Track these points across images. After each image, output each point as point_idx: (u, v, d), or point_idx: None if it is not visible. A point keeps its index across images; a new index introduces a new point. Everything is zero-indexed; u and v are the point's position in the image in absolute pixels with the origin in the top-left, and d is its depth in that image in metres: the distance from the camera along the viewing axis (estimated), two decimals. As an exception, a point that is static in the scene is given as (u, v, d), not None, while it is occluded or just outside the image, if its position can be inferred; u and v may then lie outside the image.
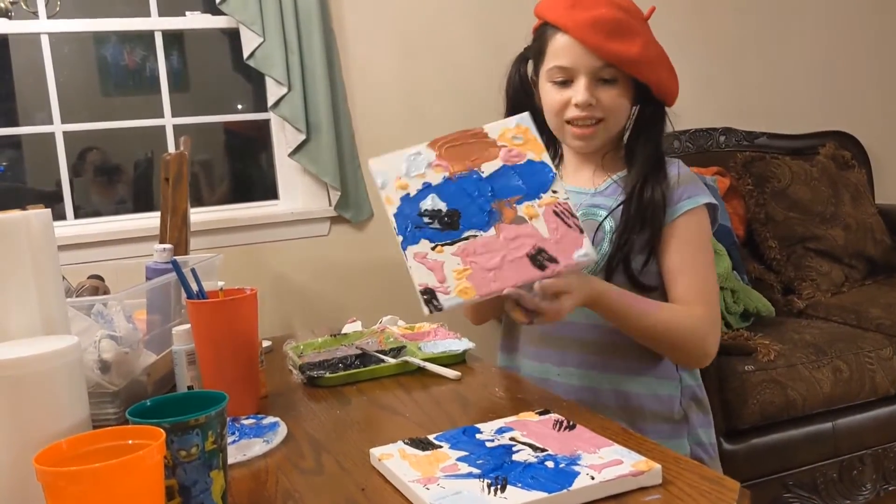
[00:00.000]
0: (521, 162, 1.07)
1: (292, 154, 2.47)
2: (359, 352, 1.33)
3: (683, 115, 3.21)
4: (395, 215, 1.08)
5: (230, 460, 0.88)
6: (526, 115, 1.11)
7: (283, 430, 1.00)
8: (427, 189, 1.07)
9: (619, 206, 1.22)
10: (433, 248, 1.03)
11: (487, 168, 1.07)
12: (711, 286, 1.22)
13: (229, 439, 0.97)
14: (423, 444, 0.88)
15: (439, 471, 0.80)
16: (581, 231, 1.03)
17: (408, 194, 1.09)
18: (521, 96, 1.30)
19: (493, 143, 1.09)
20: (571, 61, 1.18)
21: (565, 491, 0.74)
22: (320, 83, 2.41)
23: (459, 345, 1.31)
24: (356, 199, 2.55)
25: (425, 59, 2.65)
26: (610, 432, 0.91)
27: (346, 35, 2.55)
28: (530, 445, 0.85)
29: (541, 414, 0.95)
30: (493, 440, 0.88)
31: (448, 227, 1.04)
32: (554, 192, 1.05)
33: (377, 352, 1.32)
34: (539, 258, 1.02)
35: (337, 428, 1.01)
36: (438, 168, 1.09)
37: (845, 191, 2.79)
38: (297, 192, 2.58)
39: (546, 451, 0.83)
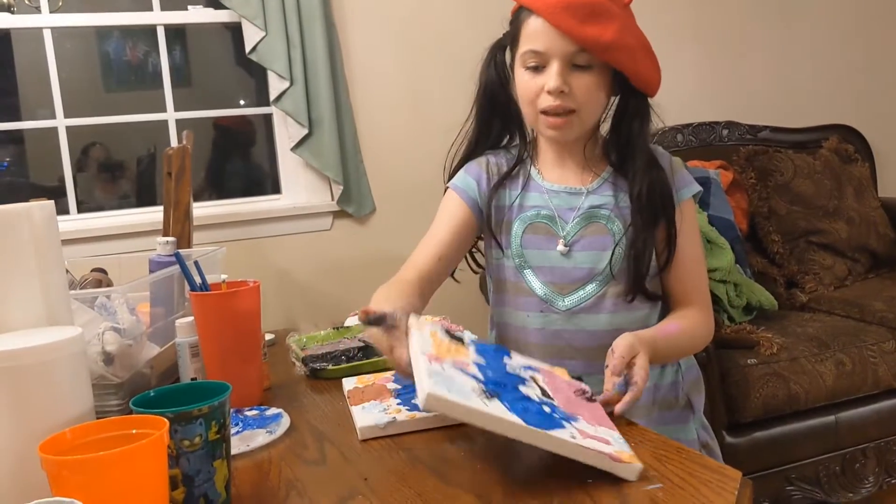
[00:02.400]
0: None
1: (294, 148, 2.47)
2: (361, 344, 1.33)
3: (686, 109, 3.22)
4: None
5: (234, 451, 0.89)
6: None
7: (286, 421, 1.01)
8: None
9: (611, 205, 1.20)
10: None
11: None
12: (706, 280, 1.24)
13: (233, 430, 0.97)
14: (454, 337, 0.91)
15: (451, 359, 0.83)
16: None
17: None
18: (495, 86, 1.26)
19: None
20: (544, 45, 1.13)
21: (539, 430, 0.75)
22: (322, 77, 2.41)
23: (462, 336, 1.31)
24: (358, 193, 2.55)
25: (427, 52, 2.64)
26: (614, 421, 0.91)
27: (347, 29, 2.55)
28: (542, 389, 0.87)
29: (574, 378, 0.97)
30: (514, 369, 0.90)
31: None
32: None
33: (379, 344, 1.32)
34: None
35: (339, 419, 1.02)
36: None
37: (848, 184, 2.78)
38: (300, 186, 2.58)
39: (552, 400, 0.85)
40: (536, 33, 1.14)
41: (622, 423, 0.92)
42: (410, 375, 0.85)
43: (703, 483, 0.74)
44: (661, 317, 1.23)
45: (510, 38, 1.22)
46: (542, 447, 0.75)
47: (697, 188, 1.23)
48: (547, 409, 0.81)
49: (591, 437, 0.78)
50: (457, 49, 2.67)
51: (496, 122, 1.29)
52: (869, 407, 2.15)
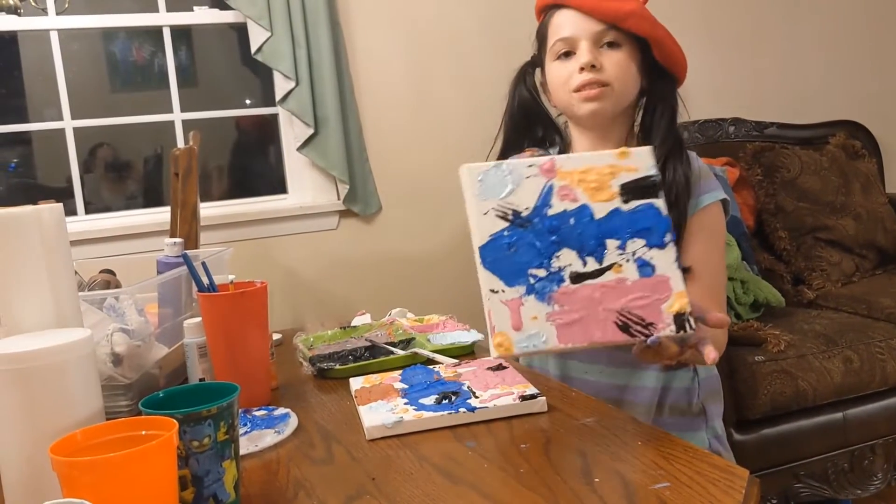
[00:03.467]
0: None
1: (300, 148, 2.48)
2: (368, 344, 1.34)
3: (692, 106, 3.19)
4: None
5: (242, 451, 0.89)
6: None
7: (294, 420, 1.01)
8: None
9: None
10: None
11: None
12: (724, 289, 1.23)
13: (241, 430, 0.98)
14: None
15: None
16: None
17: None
18: (529, 102, 1.28)
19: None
20: (571, 30, 1.17)
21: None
22: (328, 77, 2.41)
23: (468, 336, 1.32)
24: (364, 192, 2.55)
25: (432, 51, 2.65)
26: (618, 421, 0.92)
27: (353, 29, 2.56)
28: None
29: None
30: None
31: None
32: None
33: (386, 343, 1.33)
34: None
35: (347, 419, 1.02)
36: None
37: (856, 180, 2.77)
38: (306, 186, 2.59)
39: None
40: (564, 22, 1.19)
41: (627, 420, 0.92)
42: None
43: (710, 482, 0.74)
44: None
45: (539, 43, 1.26)
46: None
47: (722, 195, 1.21)
48: (534, 270, 0.84)
49: (510, 309, 0.83)
50: (462, 48, 2.67)
51: (535, 133, 1.31)
52: (877, 403, 2.15)
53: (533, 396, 0.98)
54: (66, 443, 0.69)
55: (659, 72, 1.21)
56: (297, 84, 2.40)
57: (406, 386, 1.07)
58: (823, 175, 2.73)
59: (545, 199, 0.83)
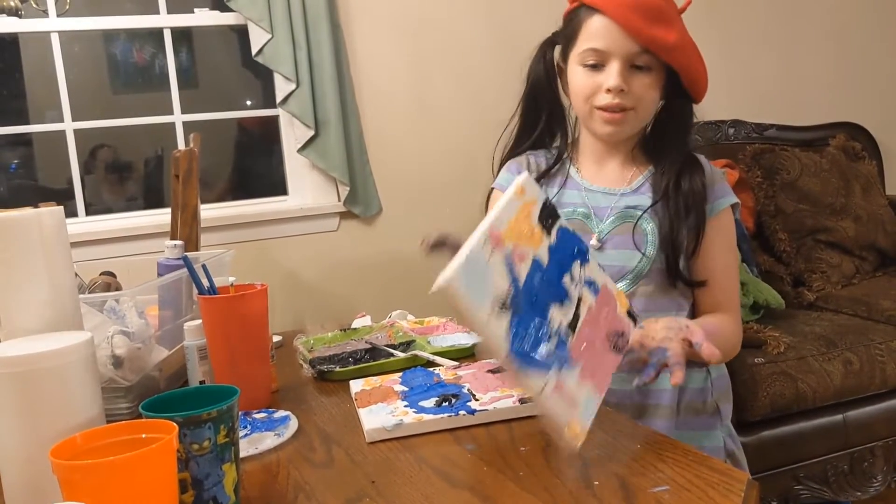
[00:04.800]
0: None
1: (301, 150, 2.48)
2: (368, 346, 1.34)
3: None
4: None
5: (242, 454, 0.89)
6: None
7: (294, 423, 1.01)
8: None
9: (654, 203, 1.20)
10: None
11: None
12: (738, 291, 1.24)
13: (241, 433, 0.98)
14: (547, 217, 0.86)
15: (513, 244, 0.80)
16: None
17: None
18: (542, 83, 1.27)
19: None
20: (607, 44, 1.14)
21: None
22: (328, 79, 2.42)
23: (468, 339, 1.32)
24: (365, 194, 2.56)
25: (433, 53, 2.65)
26: (617, 424, 0.92)
27: (353, 30, 2.56)
28: (575, 319, 0.84)
29: (630, 314, 0.93)
30: (573, 281, 0.85)
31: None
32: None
33: (386, 346, 1.33)
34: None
35: (347, 421, 1.02)
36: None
37: (856, 182, 2.78)
38: (306, 187, 2.59)
39: (570, 335, 0.83)
40: (600, 31, 1.15)
41: (626, 422, 0.93)
42: None
43: (709, 485, 0.74)
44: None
45: (565, 37, 1.23)
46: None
47: (734, 199, 1.23)
48: (547, 346, 0.78)
49: (562, 394, 0.78)
50: (462, 49, 2.67)
51: (541, 118, 1.29)
52: (877, 405, 2.15)
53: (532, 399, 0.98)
54: (66, 446, 0.69)
55: (679, 92, 1.21)
56: (298, 86, 2.41)
57: (406, 388, 1.08)
58: (823, 177, 2.74)
59: (511, 271, 0.79)
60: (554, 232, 0.85)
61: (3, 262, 0.85)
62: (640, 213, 1.21)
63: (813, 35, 3.19)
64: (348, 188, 2.50)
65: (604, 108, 1.17)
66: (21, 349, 0.76)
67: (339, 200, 2.56)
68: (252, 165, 2.93)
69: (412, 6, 2.63)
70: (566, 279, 0.84)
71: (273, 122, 2.66)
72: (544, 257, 0.83)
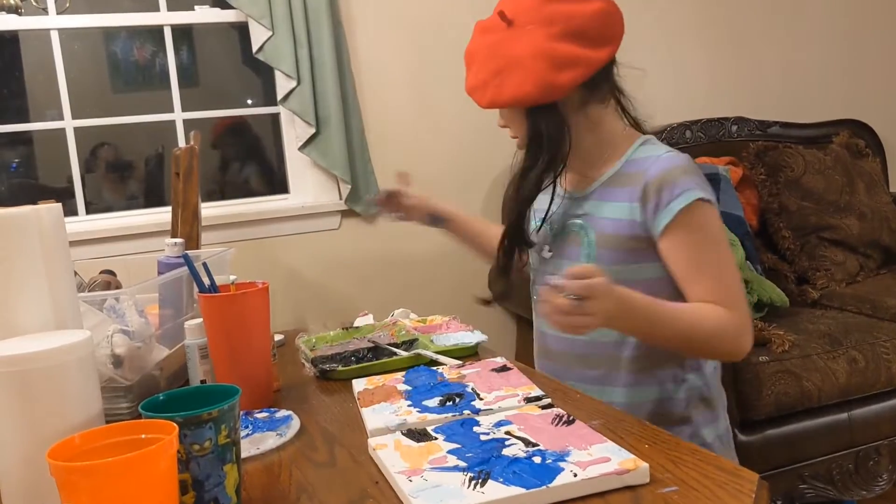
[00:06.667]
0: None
1: (302, 147, 2.46)
2: (371, 345, 1.33)
3: (694, 105, 3.21)
4: None
5: (244, 454, 0.88)
6: None
7: (296, 423, 1.00)
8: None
9: (590, 213, 1.20)
10: None
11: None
12: (730, 283, 1.12)
13: (242, 433, 0.97)
14: (419, 436, 0.88)
15: (427, 463, 0.80)
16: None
17: None
18: None
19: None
20: None
21: (544, 487, 0.72)
22: (329, 76, 2.40)
23: (472, 337, 1.30)
24: (366, 192, 2.54)
25: (434, 50, 2.63)
26: (624, 423, 0.90)
27: (354, 28, 2.54)
28: (523, 440, 0.84)
29: (544, 408, 0.94)
30: (488, 433, 0.87)
31: None
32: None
33: (389, 345, 1.32)
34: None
35: (350, 421, 1.01)
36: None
37: (860, 180, 2.76)
38: (308, 186, 2.58)
39: (537, 445, 0.82)
40: None
41: (633, 422, 0.91)
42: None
43: (718, 485, 0.73)
44: None
45: None
46: (554, 500, 0.73)
47: (699, 194, 1.12)
48: (538, 459, 0.79)
49: (591, 463, 0.77)
50: (463, 46, 2.65)
51: None
52: (882, 404, 2.13)
53: (538, 398, 0.97)
54: (65, 447, 0.67)
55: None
56: (299, 83, 2.39)
57: (409, 388, 1.06)
58: (828, 174, 2.72)
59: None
60: (436, 435, 0.89)
61: (1, 260, 0.83)
62: (579, 221, 1.22)
63: (816, 32, 3.18)
64: (350, 186, 2.49)
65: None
66: (19, 348, 0.75)
67: (341, 199, 2.54)
68: (253, 164, 2.92)
69: (414, 2, 2.61)
70: (484, 437, 0.86)
71: (274, 120, 2.64)
72: (454, 445, 0.85)
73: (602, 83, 1.20)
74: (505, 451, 0.81)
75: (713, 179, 2.57)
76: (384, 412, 0.97)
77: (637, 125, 1.26)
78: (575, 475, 0.74)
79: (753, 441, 2.00)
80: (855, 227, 2.67)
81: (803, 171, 2.70)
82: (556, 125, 1.18)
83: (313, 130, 2.42)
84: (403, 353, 1.25)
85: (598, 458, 0.77)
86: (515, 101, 1.18)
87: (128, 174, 2.84)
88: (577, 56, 1.14)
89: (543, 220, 1.25)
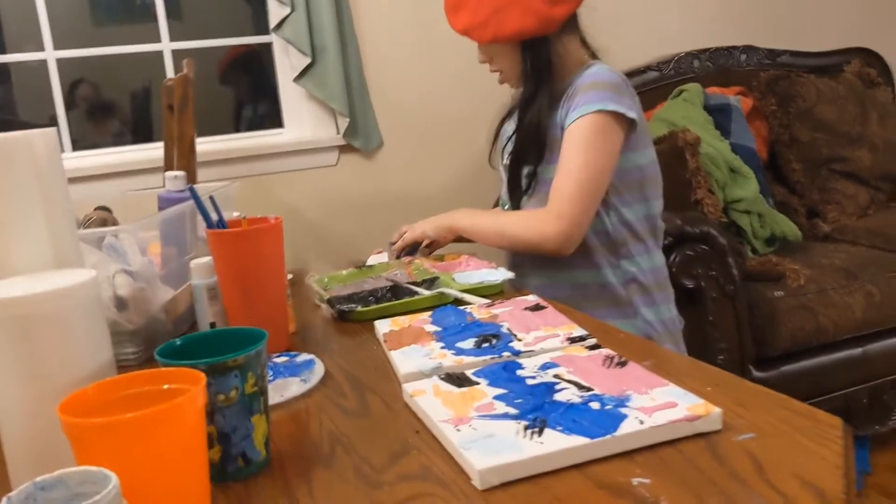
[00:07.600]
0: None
1: (297, 79, 2.35)
2: (389, 283, 1.25)
3: (702, 34, 3.09)
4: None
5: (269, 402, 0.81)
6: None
7: (319, 367, 0.93)
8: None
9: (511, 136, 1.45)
10: None
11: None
12: (564, 188, 1.29)
13: (264, 380, 0.89)
14: (460, 380, 0.80)
15: (473, 410, 0.73)
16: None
17: None
18: None
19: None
20: None
21: (609, 437, 0.65)
22: (325, 2, 2.27)
23: (497, 275, 1.23)
24: (365, 126, 2.43)
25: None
26: (676, 364, 0.84)
27: (349, -49, 2.40)
28: (576, 384, 0.77)
29: (590, 349, 0.87)
30: (535, 377, 0.80)
31: None
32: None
33: (408, 284, 1.24)
34: None
35: (377, 365, 0.94)
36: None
37: (873, 110, 2.68)
38: (303, 119, 2.46)
39: (592, 390, 0.75)
40: None
41: (687, 363, 0.85)
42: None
43: (797, 431, 0.67)
44: (649, 267, 1.40)
45: None
46: (622, 450, 0.66)
47: (596, 106, 1.28)
48: (595, 404, 0.71)
49: (656, 408, 0.69)
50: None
51: None
52: (898, 338, 2.10)
53: (582, 338, 0.90)
54: (77, 400, 0.59)
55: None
56: (293, 10, 2.26)
57: (439, 328, 0.99)
58: (840, 104, 2.64)
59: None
60: (479, 379, 0.82)
61: (-8, 193, 0.74)
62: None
63: (827, -44, 3.05)
64: (348, 120, 2.38)
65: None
66: (18, 290, 0.66)
67: (339, 133, 2.44)
68: (245, 96, 2.79)
69: (411, -75, 2.47)
70: (530, 381, 0.80)
71: (267, 50, 2.51)
72: (501, 391, 0.78)
73: (574, 16, 1.39)
74: (557, 397, 0.74)
75: (724, 110, 2.48)
76: (415, 355, 0.90)
77: (595, 55, 1.44)
78: (641, 422, 0.67)
79: (769, 377, 1.96)
80: (867, 159, 2.60)
81: (816, 100, 2.62)
82: (550, 55, 1.36)
83: (309, 60, 2.30)
84: (426, 292, 1.17)
85: (662, 403, 0.70)
86: (518, 35, 1.34)
87: (113, 111, 2.71)
88: None
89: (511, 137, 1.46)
